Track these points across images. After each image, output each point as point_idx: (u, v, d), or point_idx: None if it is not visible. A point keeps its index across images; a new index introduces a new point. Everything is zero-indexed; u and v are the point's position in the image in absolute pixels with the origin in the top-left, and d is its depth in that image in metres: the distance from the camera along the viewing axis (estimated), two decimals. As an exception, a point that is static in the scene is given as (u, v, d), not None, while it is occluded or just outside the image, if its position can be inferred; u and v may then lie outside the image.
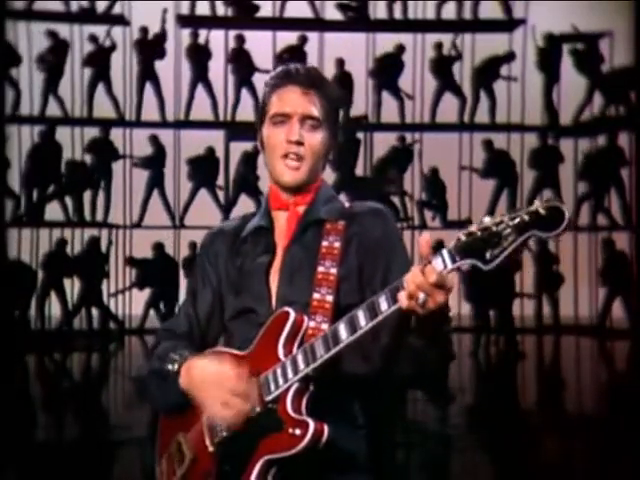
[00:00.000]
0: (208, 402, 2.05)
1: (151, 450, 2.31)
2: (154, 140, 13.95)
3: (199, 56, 13.98)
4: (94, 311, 13.36)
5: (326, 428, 1.97)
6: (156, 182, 13.95)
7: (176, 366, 2.12)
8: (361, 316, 1.92)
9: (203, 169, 13.90)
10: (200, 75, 13.99)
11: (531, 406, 8.52)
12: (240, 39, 14.04)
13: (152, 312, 13.32)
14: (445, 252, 1.85)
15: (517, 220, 1.74)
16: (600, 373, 10.97)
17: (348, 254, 2.16)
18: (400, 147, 14.19)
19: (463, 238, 1.81)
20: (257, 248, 2.22)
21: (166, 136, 14.11)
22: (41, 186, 13.66)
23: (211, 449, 2.09)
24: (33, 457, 6.18)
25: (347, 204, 2.25)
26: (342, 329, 1.95)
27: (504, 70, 14.43)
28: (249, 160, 13.58)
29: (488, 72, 14.32)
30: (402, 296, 1.87)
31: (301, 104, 2.18)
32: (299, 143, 2.17)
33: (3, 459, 6.10)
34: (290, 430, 1.97)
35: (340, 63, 13.95)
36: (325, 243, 2.15)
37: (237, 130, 14.03)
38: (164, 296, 13.26)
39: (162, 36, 13.88)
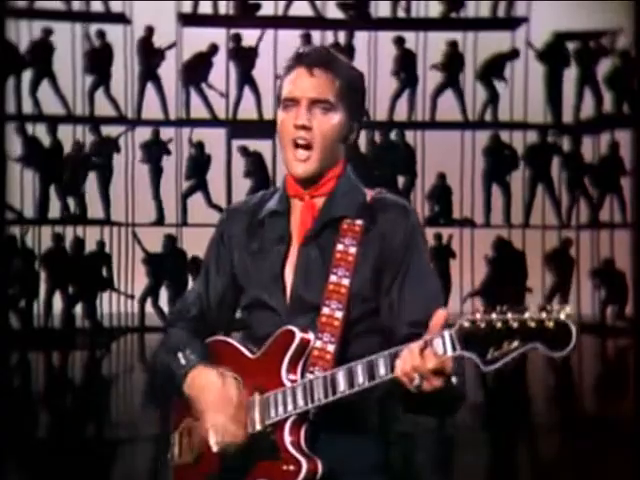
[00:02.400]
0: (206, 421, 2.05)
1: (154, 448, 2.32)
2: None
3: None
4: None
5: (320, 466, 1.96)
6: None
7: (182, 371, 2.10)
8: (359, 372, 1.88)
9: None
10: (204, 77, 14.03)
11: (535, 405, 8.52)
12: (237, 38, 14.02)
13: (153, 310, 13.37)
14: (447, 336, 1.76)
15: (523, 324, 1.67)
16: (601, 371, 10.97)
17: (364, 261, 2.05)
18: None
19: (466, 325, 1.72)
20: (272, 234, 2.14)
21: (168, 134, 14.11)
22: (44, 184, 13.67)
23: (215, 449, 2.07)
24: (35, 455, 6.17)
25: (369, 196, 2.12)
26: (340, 379, 1.91)
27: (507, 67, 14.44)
28: None
29: (492, 69, 14.30)
30: (398, 369, 1.82)
31: (310, 87, 2.06)
32: (306, 128, 2.05)
33: (6, 456, 6.11)
34: (284, 466, 1.97)
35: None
36: (340, 247, 2.06)
37: (238, 128, 14.04)
38: (157, 289, 13.34)
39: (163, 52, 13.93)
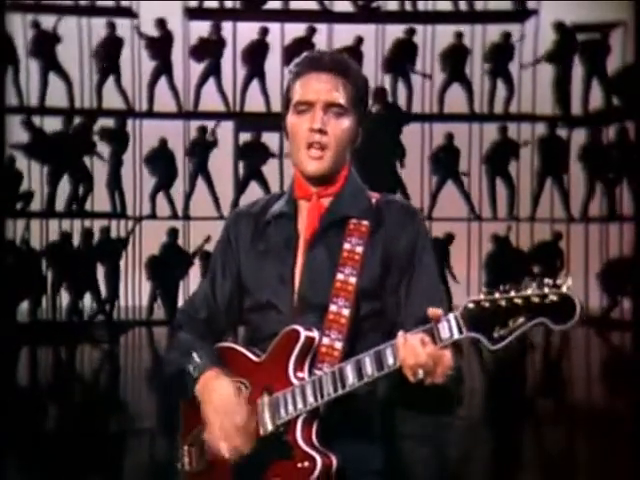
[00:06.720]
0: (212, 426, 2.08)
1: (161, 440, 2.33)
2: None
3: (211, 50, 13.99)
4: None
5: (334, 460, 1.99)
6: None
7: (196, 374, 2.12)
8: (368, 363, 1.92)
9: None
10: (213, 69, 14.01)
11: (539, 398, 8.52)
12: (264, 31, 13.97)
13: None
14: (452, 319, 1.78)
15: (527, 301, 1.67)
16: (607, 364, 10.96)
17: (371, 262, 2.10)
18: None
19: (470, 306, 1.74)
20: (279, 236, 2.17)
21: (175, 127, 14.11)
22: (53, 177, 13.71)
23: (227, 455, 2.09)
24: (44, 448, 6.20)
25: (374, 199, 2.18)
26: (349, 372, 1.94)
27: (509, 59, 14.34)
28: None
29: (500, 58, 14.25)
30: (402, 362, 1.87)
31: (325, 91, 2.11)
32: (322, 131, 2.10)
33: (14, 450, 6.15)
34: (299, 464, 1.99)
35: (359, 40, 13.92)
36: (347, 246, 2.10)
37: (246, 120, 14.04)
38: (164, 286, 13.37)
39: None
